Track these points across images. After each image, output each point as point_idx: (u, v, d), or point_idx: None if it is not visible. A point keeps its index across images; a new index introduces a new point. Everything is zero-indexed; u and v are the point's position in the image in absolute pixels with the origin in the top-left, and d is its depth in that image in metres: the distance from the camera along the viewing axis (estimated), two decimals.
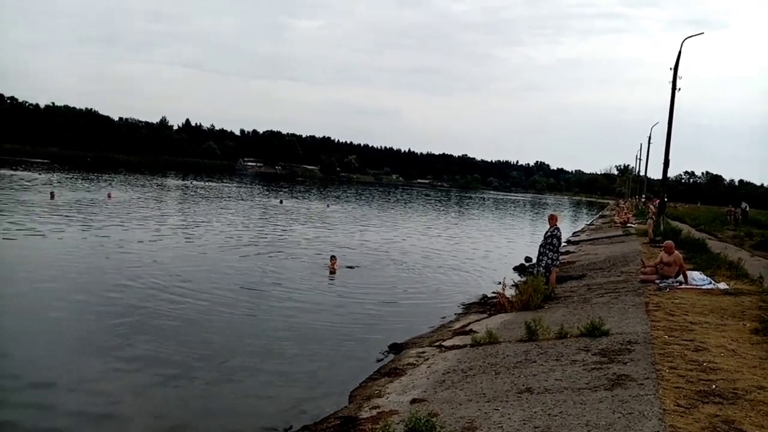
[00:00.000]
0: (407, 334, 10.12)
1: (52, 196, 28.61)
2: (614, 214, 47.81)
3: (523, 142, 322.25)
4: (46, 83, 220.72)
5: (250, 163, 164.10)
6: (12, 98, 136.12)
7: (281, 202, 42.49)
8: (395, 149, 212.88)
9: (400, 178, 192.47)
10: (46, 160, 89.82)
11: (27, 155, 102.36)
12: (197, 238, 19.72)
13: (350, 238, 23.88)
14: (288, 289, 13.09)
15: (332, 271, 15.45)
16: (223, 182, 72.08)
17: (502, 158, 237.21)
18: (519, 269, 18.96)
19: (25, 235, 16.99)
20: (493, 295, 13.40)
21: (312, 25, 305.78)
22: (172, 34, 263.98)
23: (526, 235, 33.75)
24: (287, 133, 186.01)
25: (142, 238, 18.63)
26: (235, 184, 69.86)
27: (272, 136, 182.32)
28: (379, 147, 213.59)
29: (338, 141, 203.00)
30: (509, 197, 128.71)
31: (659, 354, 6.44)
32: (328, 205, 43.40)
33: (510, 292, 12.24)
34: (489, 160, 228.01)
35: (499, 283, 13.23)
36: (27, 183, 38.72)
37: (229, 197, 44.27)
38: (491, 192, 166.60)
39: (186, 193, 45.19)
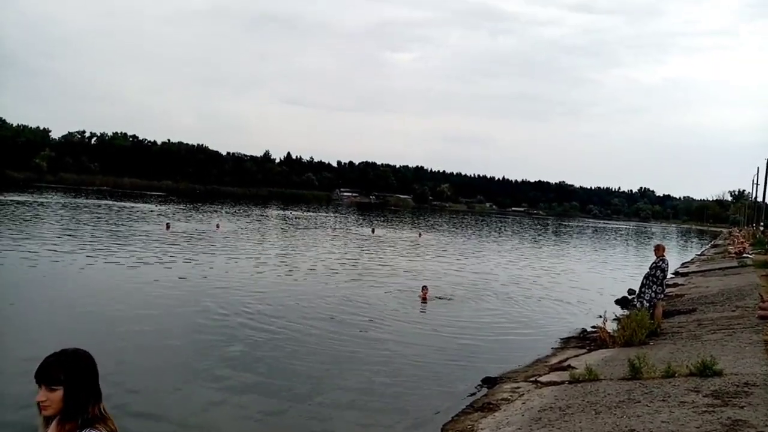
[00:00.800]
0: (501, 367, 9.87)
1: (168, 227, 31.02)
2: (728, 244, 44.22)
3: (624, 167, 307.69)
4: (163, 122, 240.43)
5: (345, 194, 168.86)
6: (134, 136, 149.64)
7: (373, 231, 43.22)
8: (489, 177, 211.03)
9: (494, 207, 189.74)
10: (162, 193, 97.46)
11: (145, 188, 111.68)
12: (294, 268, 20.42)
13: (442, 268, 23.78)
14: (380, 318, 13.21)
15: (424, 301, 15.43)
16: (320, 212, 74.55)
17: (603, 184, 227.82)
18: (621, 302, 17.98)
19: (142, 264, 18.47)
20: (593, 329, 12.81)
21: (405, 57, 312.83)
22: (276, 73, 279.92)
23: (630, 266, 31.97)
24: (382, 164, 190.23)
25: (246, 267, 19.64)
26: (331, 214, 72.07)
27: (367, 166, 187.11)
28: (472, 175, 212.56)
29: (431, 170, 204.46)
30: (611, 225, 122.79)
31: None
32: (420, 234, 43.57)
33: (611, 327, 11.65)
34: (588, 187, 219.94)
35: (600, 316, 12.60)
36: (145, 215, 42.20)
37: (324, 227, 45.66)
38: (591, 220, 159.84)
39: (286, 224, 47.15)
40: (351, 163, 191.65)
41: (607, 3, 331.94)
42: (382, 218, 69.95)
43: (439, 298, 16.16)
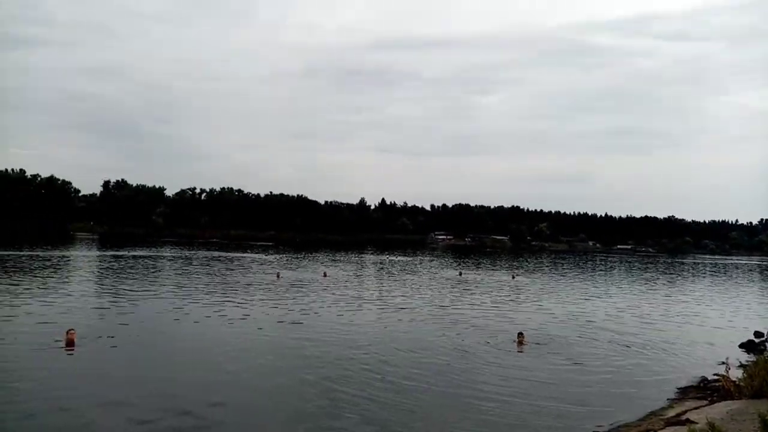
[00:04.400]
0: (609, 421, 9.19)
1: (278, 276, 32.60)
2: None
3: (740, 198, 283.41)
4: (265, 176, 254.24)
5: (440, 236, 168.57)
6: (239, 190, 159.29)
7: (460, 274, 42.56)
8: (590, 214, 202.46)
9: (597, 245, 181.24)
10: (268, 243, 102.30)
11: (250, 239, 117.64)
12: (395, 314, 20.48)
13: (539, 311, 22.86)
14: (476, 365, 12.85)
15: (520, 348, 14.83)
16: (415, 256, 74.65)
17: (717, 217, 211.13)
18: (747, 347, 16.31)
19: (258, 312, 19.32)
20: (715, 377, 11.68)
21: (493, 99, 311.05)
22: (368, 123, 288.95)
23: (753, 306, 29.10)
24: (476, 206, 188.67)
25: (350, 312, 20.17)
26: (427, 257, 71.96)
27: (461, 209, 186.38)
28: (571, 213, 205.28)
29: (527, 209, 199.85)
30: (729, 261, 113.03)
31: None
32: (513, 276, 42.27)
33: (736, 374, 10.57)
34: (700, 221, 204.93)
35: (722, 363, 11.51)
36: (255, 265, 44.32)
37: (420, 271, 45.52)
38: (707, 256, 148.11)
39: (382, 269, 47.58)
40: (444, 206, 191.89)
41: (705, 30, 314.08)
42: (475, 260, 68.83)
43: (538, 343, 15.47)
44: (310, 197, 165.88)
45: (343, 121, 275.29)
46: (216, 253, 59.99)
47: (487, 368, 12.59)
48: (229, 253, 61.11)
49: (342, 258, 61.11)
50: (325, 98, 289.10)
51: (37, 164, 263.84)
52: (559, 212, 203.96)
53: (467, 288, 32.00)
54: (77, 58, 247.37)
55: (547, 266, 63.34)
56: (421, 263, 58.08)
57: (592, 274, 53.26)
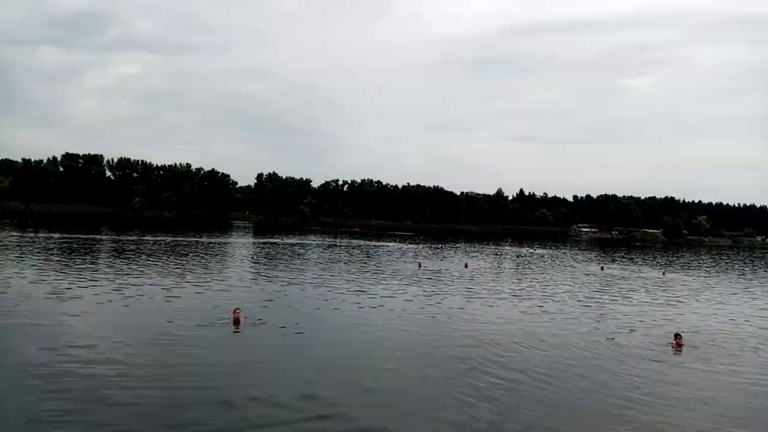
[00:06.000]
0: None
1: (419, 266, 33.61)
2: None
3: None
4: (402, 167, 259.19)
5: (584, 229, 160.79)
6: (378, 182, 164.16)
7: (602, 268, 40.37)
8: (758, 206, 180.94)
9: (767, 240, 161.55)
10: (409, 233, 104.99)
11: (389, 228, 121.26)
12: (538, 307, 20.29)
13: (697, 312, 21.22)
14: (629, 368, 12.33)
15: (678, 351, 14.06)
16: (558, 249, 72.16)
17: None
18: None
19: (401, 301, 20.21)
20: None
21: (642, 82, 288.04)
22: (504, 112, 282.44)
23: None
24: (623, 196, 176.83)
25: (493, 306, 20.28)
26: (572, 250, 69.28)
27: (607, 200, 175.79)
28: (735, 205, 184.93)
29: (684, 201, 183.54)
30: None
31: None
32: (664, 273, 39.30)
33: None
34: None
35: None
36: (396, 253, 45.94)
37: (563, 264, 44.04)
38: None
39: (523, 261, 46.75)
40: (588, 196, 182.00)
41: None
42: (624, 255, 64.76)
43: (696, 347, 14.51)
44: (446, 188, 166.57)
45: (479, 110, 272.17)
46: (358, 242, 62.82)
47: (641, 371, 12.05)
48: (371, 242, 63.65)
49: (480, 249, 60.93)
50: (460, 88, 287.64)
51: (200, 159, 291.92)
52: (720, 204, 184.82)
53: (614, 283, 30.47)
54: (230, 61, 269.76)
55: (705, 263, 57.98)
56: (564, 256, 56.10)
57: (763, 273, 47.89)
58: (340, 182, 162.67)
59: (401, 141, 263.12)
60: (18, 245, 34.53)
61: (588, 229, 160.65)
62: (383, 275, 28.25)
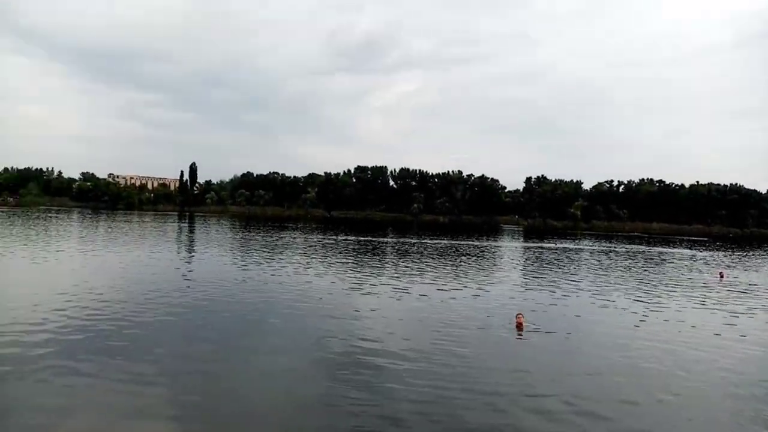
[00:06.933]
0: None
1: (721, 276, 29.74)
2: None
3: None
4: (687, 164, 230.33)
5: None
6: (660, 181, 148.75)
7: None
8: None
9: None
10: (702, 238, 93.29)
11: (673, 233, 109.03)
12: None
13: None
14: None
15: None
16: None
17: None
18: None
19: (691, 314, 18.36)
20: None
21: None
22: None
23: None
24: None
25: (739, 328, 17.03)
26: None
27: None
28: None
29: None
30: None
31: None
32: None
33: None
34: None
35: None
36: (685, 260, 41.39)
37: None
38: None
39: None
40: None
41: None
42: None
43: None
44: (746, 185, 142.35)
45: None
46: (638, 247, 58.06)
47: None
48: (653, 248, 58.25)
49: None
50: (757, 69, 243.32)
51: (470, 165, 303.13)
52: None
53: None
54: (498, 69, 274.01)
55: None
56: None
57: None
58: (615, 183, 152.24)
59: (687, 134, 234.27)
60: (323, 246, 40.78)
61: None
62: (671, 285, 25.60)
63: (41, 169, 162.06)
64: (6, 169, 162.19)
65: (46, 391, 8.80)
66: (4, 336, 11.65)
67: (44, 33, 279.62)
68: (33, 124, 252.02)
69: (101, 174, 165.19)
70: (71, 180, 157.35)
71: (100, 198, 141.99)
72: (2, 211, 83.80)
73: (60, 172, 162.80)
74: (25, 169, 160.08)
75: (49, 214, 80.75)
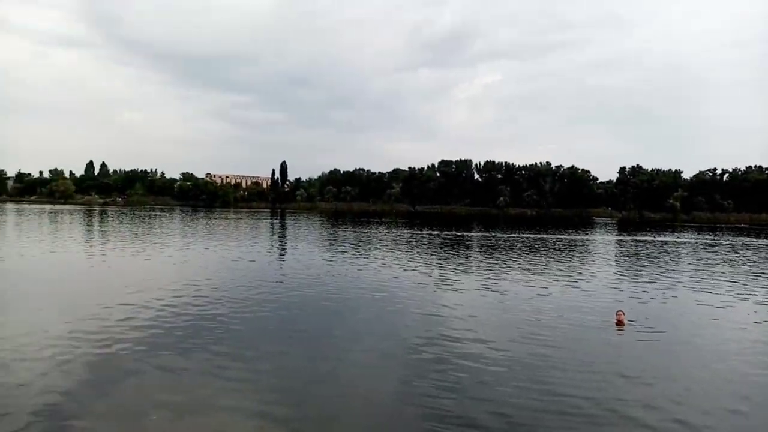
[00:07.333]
0: None
1: None
2: None
3: None
4: None
5: None
6: None
7: None
8: None
9: None
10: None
11: (720, 222, 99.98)
12: None
13: None
14: None
15: None
16: None
17: None
18: None
19: None
20: None
21: None
22: None
23: None
24: None
25: None
26: None
27: None
28: None
29: None
30: None
31: None
32: None
33: None
34: None
35: None
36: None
37: None
38: None
39: None
40: None
41: None
42: None
43: None
44: None
45: None
46: (745, 240, 53.91)
47: None
48: (763, 240, 53.90)
49: None
50: None
51: (559, 156, 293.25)
52: None
53: None
54: (588, 55, 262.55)
55: None
56: None
57: None
58: (719, 171, 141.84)
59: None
60: (408, 241, 41.02)
61: None
62: None
63: (146, 170, 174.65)
64: (115, 171, 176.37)
65: (165, 388, 9.16)
66: (123, 334, 12.66)
67: (147, 42, 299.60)
68: (136, 128, 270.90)
69: (199, 174, 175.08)
70: (173, 180, 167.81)
71: (199, 196, 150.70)
72: (115, 210, 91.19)
73: (162, 173, 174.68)
74: (131, 170, 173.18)
75: (155, 213, 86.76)
